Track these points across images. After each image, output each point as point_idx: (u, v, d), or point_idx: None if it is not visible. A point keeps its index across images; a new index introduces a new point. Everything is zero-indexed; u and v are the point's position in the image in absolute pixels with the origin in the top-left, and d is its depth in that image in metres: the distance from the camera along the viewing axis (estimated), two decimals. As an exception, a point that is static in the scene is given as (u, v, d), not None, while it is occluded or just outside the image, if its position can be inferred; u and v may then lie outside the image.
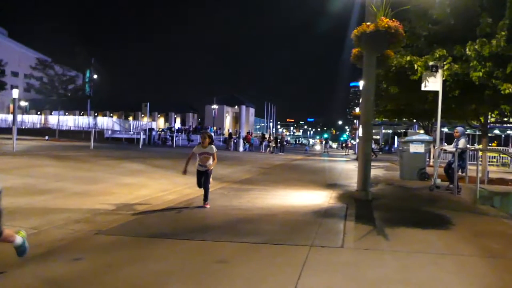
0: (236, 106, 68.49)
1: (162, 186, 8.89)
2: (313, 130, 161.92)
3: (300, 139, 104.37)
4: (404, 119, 23.14)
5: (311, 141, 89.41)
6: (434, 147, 13.68)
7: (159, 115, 56.33)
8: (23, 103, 45.83)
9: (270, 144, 33.55)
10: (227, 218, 5.96)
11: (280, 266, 3.77)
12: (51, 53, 50.57)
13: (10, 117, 36.18)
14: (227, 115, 65.84)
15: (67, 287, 3.25)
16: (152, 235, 4.79)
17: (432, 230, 5.40)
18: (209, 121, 59.09)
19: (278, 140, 35.33)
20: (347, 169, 17.20)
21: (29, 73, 47.96)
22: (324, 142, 60.34)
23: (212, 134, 29.13)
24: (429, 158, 17.60)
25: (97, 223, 5.31)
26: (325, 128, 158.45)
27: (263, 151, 32.13)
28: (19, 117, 30.97)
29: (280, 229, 5.31)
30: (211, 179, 6.79)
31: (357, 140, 34.53)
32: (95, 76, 48.75)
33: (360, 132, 25.86)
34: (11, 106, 46.56)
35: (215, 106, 62.05)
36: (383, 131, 69.39)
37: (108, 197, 7.30)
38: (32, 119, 35.47)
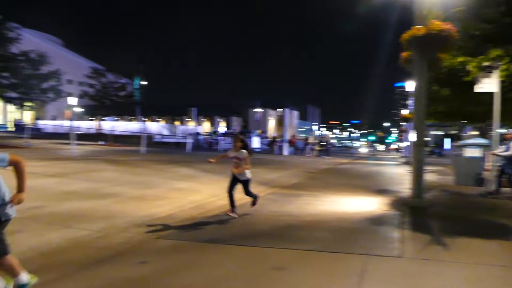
0: (280, 109, 68.55)
1: (213, 191, 9.10)
2: (359, 132, 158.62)
3: (345, 141, 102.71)
4: (456, 121, 22.20)
5: (357, 143, 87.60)
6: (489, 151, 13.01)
7: (205, 119, 57.53)
8: (78, 110, 48.47)
9: (315, 147, 33.29)
10: (279, 224, 6.02)
11: (337, 275, 3.78)
12: (102, 61, 53.31)
13: (66, 123, 38.41)
14: (270, 118, 66.01)
15: (135, 290, 3.46)
16: (208, 240, 4.94)
17: (495, 241, 5.17)
18: (253, 124, 59.55)
19: (323, 143, 34.97)
20: (397, 173, 16.73)
21: (83, 81, 50.76)
22: (371, 144, 58.97)
23: (258, 138, 29.13)
24: (486, 162, 16.72)
25: (155, 227, 5.56)
26: (371, 130, 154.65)
27: (308, 155, 31.94)
28: (75, 123, 32.84)
29: (334, 237, 5.31)
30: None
31: (406, 143, 33.48)
32: (143, 82, 50.80)
33: (411, 135, 24.90)
34: (67, 112, 49.50)
35: (258, 110, 62.42)
36: (434, 132, 66.66)
37: (163, 201, 7.59)
38: (86, 125, 37.46)
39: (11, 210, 3.08)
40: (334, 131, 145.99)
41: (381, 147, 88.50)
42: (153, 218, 6.09)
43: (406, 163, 23.58)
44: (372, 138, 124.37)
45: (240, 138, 6.51)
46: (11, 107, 46.09)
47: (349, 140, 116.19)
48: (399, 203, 8.16)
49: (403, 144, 48.77)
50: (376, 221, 6.33)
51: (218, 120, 59.52)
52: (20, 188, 2.99)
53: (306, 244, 4.80)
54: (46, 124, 40.26)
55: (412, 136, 10.46)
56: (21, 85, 39.43)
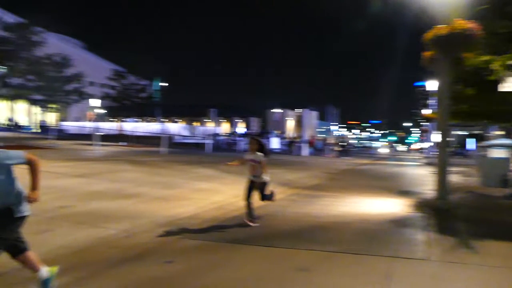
0: (299, 109, 68.37)
1: (234, 192, 9.15)
2: (378, 132, 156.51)
3: (364, 142, 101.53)
4: (480, 121, 21.69)
5: (376, 144, 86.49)
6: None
7: (223, 120, 57.86)
8: (100, 111, 49.44)
9: (334, 148, 33.04)
10: (302, 225, 6.02)
11: (363, 277, 3.76)
12: (123, 63, 54.28)
13: (88, 124, 39.25)
14: (289, 118, 65.89)
15: (162, 288, 3.52)
16: (232, 241, 4.99)
17: (524, 244, 5.05)
18: (272, 125, 59.62)
19: (343, 144, 34.69)
20: (420, 174, 16.46)
21: (104, 83, 51.77)
22: (391, 145, 58.13)
23: (277, 138, 29.07)
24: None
25: (179, 227, 5.64)
26: (391, 130, 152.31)
27: (328, 155, 31.74)
28: (97, 124, 33.49)
29: (357, 238, 5.28)
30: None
31: (429, 143, 32.90)
32: (163, 84, 51.51)
33: (434, 136, 24.39)
34: (89, 113, 50.56)
35: (277, 110, 62.42)
36: (457, 132, 65.23)
37: (185, 202, 7.68)
38: (108, 126, 38.16)
39: (26, 208, 3.15)
40: (353, 131, 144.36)
41: (401, 148, 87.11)
42: (176, 218, 6.18)
43: (429, 164, 23.17)
44: (392, 138, 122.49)
45: (256, 140, 6.25)
46: (35, 109, 47.36)
47: (369, 140, 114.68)
48: (423, 205, 8.04)
49: (425, 145, 47.93)
50: (400, 223, 6.26)
51: (237, 120, 59.74)
52: (34, 187, 3.04)
53: (330, 245, 4.79)
54: (69, 126, 41.18)
55: (436, 137, 10.29)
56: (46, 87, 40.50)
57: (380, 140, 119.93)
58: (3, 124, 39.26)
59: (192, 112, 55.20)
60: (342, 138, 45.57)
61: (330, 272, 3.89)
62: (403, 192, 10.11)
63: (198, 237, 5.15)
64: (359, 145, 75.56)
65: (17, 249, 3.11)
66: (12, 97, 41.09)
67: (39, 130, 38.65)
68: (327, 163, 21.15)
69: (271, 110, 62.35)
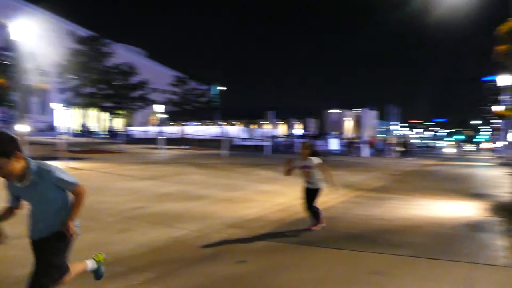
0: (357, 109, 66.75)
1: (297, 194, 9.11)
2: (443, 131, 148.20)
3: (428, 141, 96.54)
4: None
5: (441, 143, 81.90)
6: None
7: (280, 122, 57.99)
8: (163, 116, 51.69)
9: (396, 148, 31.86)
10: (370, 228, 5.92)
11: (441, 283, 3.64)
12: (183, 69, 56.41)
13: (152, 129, 41.20)
14: (347, 119, 64.50)
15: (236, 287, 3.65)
16: (301, 242, 5.04)
17: None
18: (329, 126, 58.71)
19: (405, 144, 33.33)
20: (493, 176, 15.41)
21: (166, 88, 54.08)
22: (458, 144, 54.84)
23: (336, 139, 28.60)
24: None
25: (247, 228, 5.79)
26: (458, 129, 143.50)
27: (389, 156, 30.68)
28: (160, 128, 35.06)
29: (430, 242, 5.10)
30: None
31: (503, 142, 30.65)
32: (222, 88, 52.79)
33: (511, 134, 22.80)
34: (152, 118, 53.03)
35: (335, 111, 61.36)
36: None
37: (250, 204, 7.85)
38: (170, 130, 39.83)
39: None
40: (415, 130, 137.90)
41: (469, 147, 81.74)
42: (243, 220, 6.35)
43: (504, 164, 21.61)
44: (459, 137, 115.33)
45: (308, 145, 5.86)
46: (104, 115, 50.61)
47: (433, 139, 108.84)
48: (499, 209, 7.55)
49: (499, 144, 44.71)
50: (476, 227, 5.94)
51: (294, 122, 59.57)
52: (71, 217, 2.71)
53: (402, 249, 4.68)
54: (135, 130, 43.51)
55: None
56: (114, 95, 43.18)
57: (445, 139, 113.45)
58: (77, 130, 42.38)
59: (249, 115, 55.93)
60: (403, 138, 43.74)
61: (405, 277, 3.81)
62: (476, 195, 9.55)
63: (268, 238, 5.25)
64: (422, 145, 72.12)
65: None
66: (85, 105, 44.27)
67: (108, 135, 41.25)
68: (389, 164, 20.47)
69: (329, 111, 61.42)
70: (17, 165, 2.55)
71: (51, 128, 39.87)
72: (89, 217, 6.05)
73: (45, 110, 47.34)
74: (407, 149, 32.72)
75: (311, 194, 5.69)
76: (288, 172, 5.90)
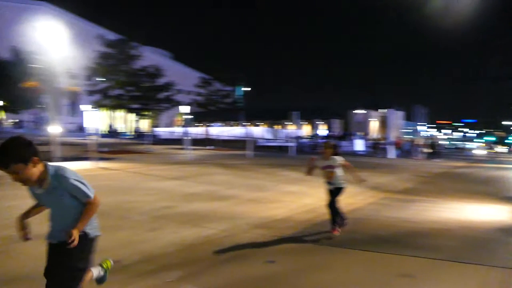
0: (383, 109, 65.69)
1: (323, 195, 9.11)
2: (473, 132, 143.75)
3: (456, 142, 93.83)
4: None
5: (471, 144, 79.51)
6: None
7: (304, 122, 57.73)
8: (188, 117, 52.39)
9: (424, 149, 31.15)
10: (399, 230, 5.84)
11: None
12: (208, 70, 56.98)
13: (177, 129, 41.79)
14: (373, 119, 63.58)
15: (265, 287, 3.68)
16: (329, 244, 5.02)
17: None
18: (354, 126, 58.05)
19: (433, 145, 32.54)
20: (526, 178, 14.89)
21: (191, 90, 54.82)
22: (489, 146, 53.13)
23: (361, 140, 28.25)
24: None
25: (275, 229, 5.81)
26: (488, 130, 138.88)
27: (416, 157, 30.05)
28: (186, 129, 35.52)
29: (462, 246, 4.99)
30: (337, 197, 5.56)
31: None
32: (246, 89, 53.03)
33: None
34: (177, 119, 53.78)
35: (360, 111, 60.60)
36: None
37: (277, 204, 7.87)
38: (195, 131, 40.33)
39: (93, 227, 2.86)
40: (444, 131, 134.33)
41: (501, 149, 78.97)
42: (271, 220, 6.37)
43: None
44: (490, 138, 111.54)
45: (331, 145, 5.74)
46: (131, 116, 51.73)
47: (462, 141, 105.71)
48: (535, 212, 7.30)
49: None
50: (509, 231, 5.77)
51: (318, 122, 59.17)
52: (78, 225, 2.64)
53: (433, 252, 4.59)
54: (161, 131, 44.25)
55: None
56: (141, 96, 44.10)
57: (475, 140, 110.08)
58: (105, 131, 43.45)
59: (273, 115, 55.97)
60: (431, 139, 42.72)
61: (437, 280, 3.74)
62: (509, 198, 9.25)
63: (296, 239, 5.26)
64: (450, 146, 70.27)
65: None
66: (112, 107, 45.39)
67: (135, 136, 42.12)
68: (416, 166, 20.06)
69: (354, 111, 60.75)
70: (35, 170, 2.51)
71: (80, 129, 41.06)
72: (119, 216, 6.23)
73: (75, 111, 48.83)
74: (435, 150, 31.94)
75: (333, 193, 5.59)
76: (309, 172, 5.81)
